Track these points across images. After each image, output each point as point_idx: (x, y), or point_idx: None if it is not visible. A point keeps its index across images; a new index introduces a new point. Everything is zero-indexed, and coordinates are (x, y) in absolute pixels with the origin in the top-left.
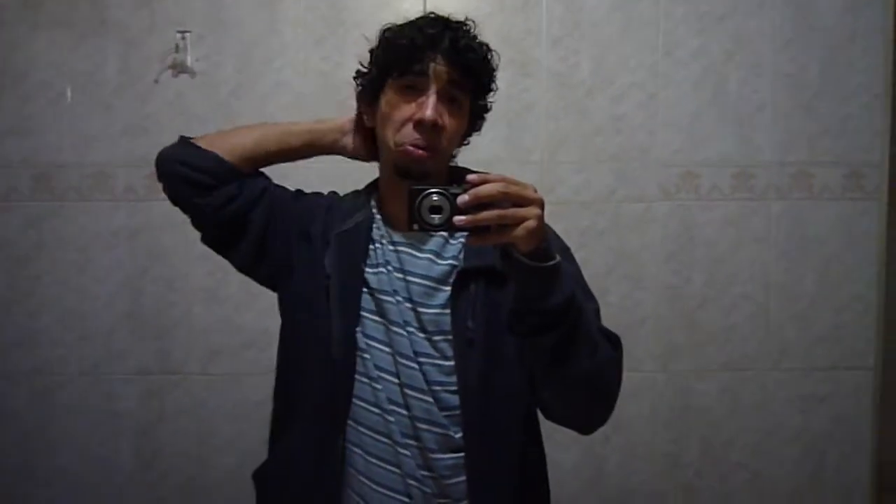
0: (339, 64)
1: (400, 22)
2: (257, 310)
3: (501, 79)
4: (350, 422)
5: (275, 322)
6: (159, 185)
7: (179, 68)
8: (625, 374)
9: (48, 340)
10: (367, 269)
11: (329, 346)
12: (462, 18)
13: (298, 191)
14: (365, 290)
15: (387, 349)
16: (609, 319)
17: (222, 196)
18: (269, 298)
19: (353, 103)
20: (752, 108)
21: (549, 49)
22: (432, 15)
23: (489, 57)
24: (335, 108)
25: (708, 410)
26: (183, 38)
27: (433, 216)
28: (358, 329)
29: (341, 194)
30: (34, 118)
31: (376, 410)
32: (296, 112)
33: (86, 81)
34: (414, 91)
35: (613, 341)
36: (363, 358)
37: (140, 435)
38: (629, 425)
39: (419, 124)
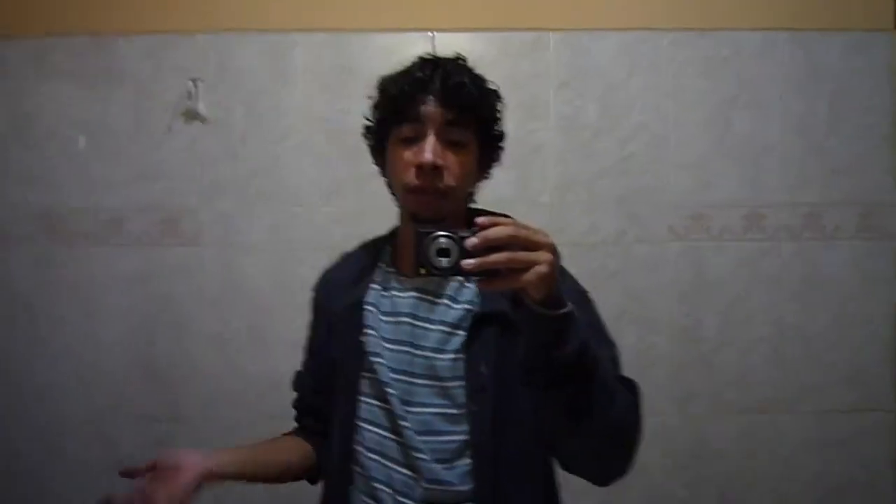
0: (346, 110)
1: (395, 70)
2: (266, 355)
3: (509, 121)
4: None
5: (283, 367)
6: (170, 230)
7: (191, 115)
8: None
9: (53, 385)
10: (383, 318)
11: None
12: (453, 56)
13: (312, 314)
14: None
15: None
16: (623, 361)
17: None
18: (278, 344)
19: (361, 148)
20: (759, 149)
21: (556, 92)
22: (424, 57)
23: (486, 88)
24: (342, 154)
25: (725, 455)
26: (195, 86)
27: (441, 259)
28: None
29: (353, 247)
30: (45, 165)
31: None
32: (304, 157)
33: (97, 129)
34: (414, 140)
35: (631, 389)
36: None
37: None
38: (645, 470)
39: (420, 168)
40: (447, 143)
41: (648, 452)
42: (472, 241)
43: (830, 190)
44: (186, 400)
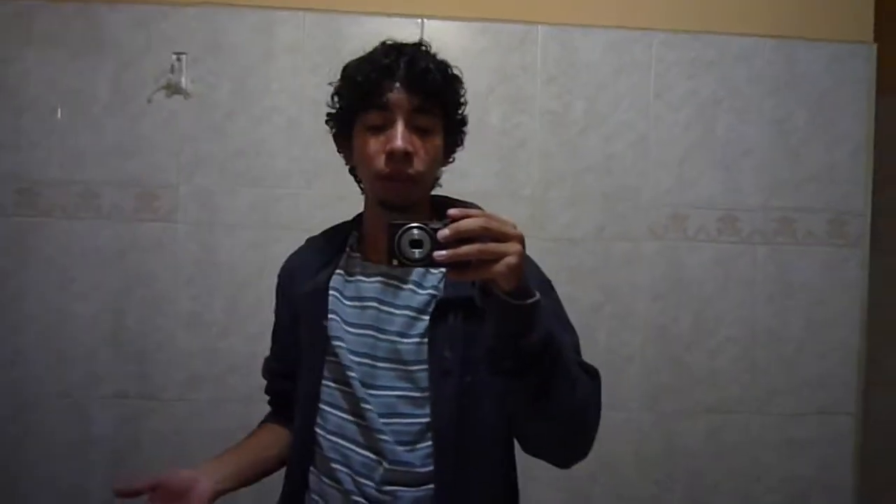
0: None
1: (359, 57)
2: (241, 335)
3: (495, 113)
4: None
5: (258, 348)
6: (147, 205)
7: (173, 89)
8: (611, 413)
9: (25, 360)
10: (347, 303)
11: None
12: (417, 41)
13: (276, 300)
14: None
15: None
16: (596, 357)
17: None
18: (254, 324)
19: None
20: (738, 153)
21: (543, 87)
22: (387, 43)
23: (450, 74)
24: (326, 136)
25: (693, 453)
26: (178, 60)
27: (413, 251)
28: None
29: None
30: (23, 133)
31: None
32: (289, 137)
33: (77, 99)
34: (381, 128)
35: (592, 375)
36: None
37: (114, 461)
38: (615, 465)
39: (391, 155)
40: (414, 129)
41: (619, 447)
42: (444, 232)
43: (803, 196)
44: (161, 378)
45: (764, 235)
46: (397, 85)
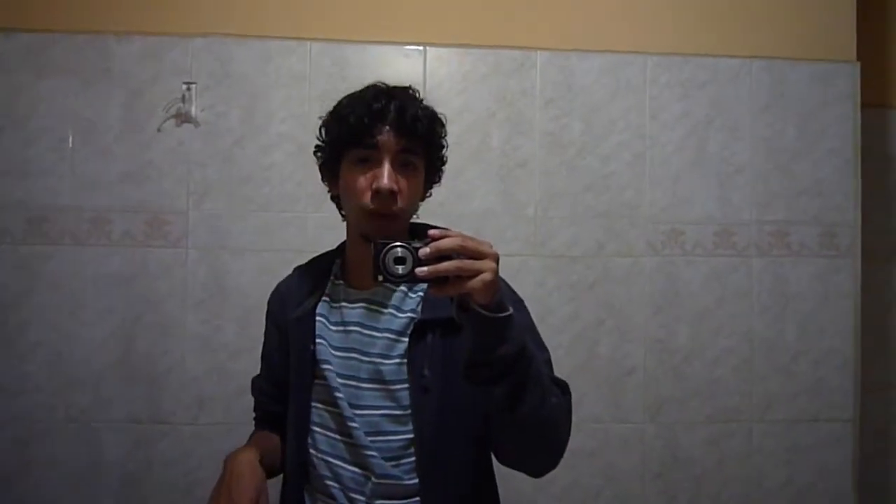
0: None
1: (350, 97)
2: (251, 359)
3: (496, 136)
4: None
5: None
6: (157, 231)
7: (183, 118)
8: (614, 425)
9: (35, 385)
10: (332, 328)
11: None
12: (404, 87)
13: (265, 324)
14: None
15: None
16: (598, 371)
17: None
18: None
19: None
20: (731, 170)
21: (542, 110)
22: (379, 86)
23: (434, 119)
24: None
25: (695, 462)
26: (188, 89)
27: (397, 267)
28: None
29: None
30: (34, 162)
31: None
32: (296, 162)
33: (88, 128)
34: (368, 162)
35: (563, 388)
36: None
37: (124, 485)
38: (619, 477)
39: (377, 193)
40: (399, 166)
41: (623, 458)
42: (425, 250)
43: (796, 209)
44: (170, 402)
45: (759, 248)
46: (387, 128)
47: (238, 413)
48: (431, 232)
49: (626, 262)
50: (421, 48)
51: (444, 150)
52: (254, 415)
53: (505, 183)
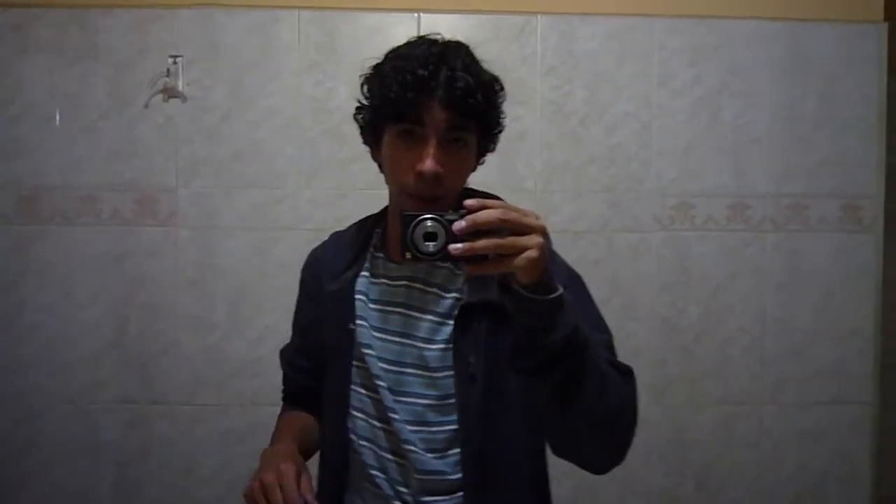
0: (332, 90)
1: (395, 54)
2: (245, 339)
3: None
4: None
5: (262, 351)
6: (146, 210)
7: (170, 93)
8: None
9: (30, 367)
10: (372, 307)
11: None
12: (456, 45)
13: (298, 294)
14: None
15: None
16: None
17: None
18: (258, 328)
19: (345, 130)
20: (747, 139)
21: (543, 77)
22: (427, 44)
23: (491, 88)
24: (325, 135)
25: (703, 445)
26: (174, 63)
27: (427, 244)
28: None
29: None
30: (22, 141)
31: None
32: (287, 137)
33: (75, 105)
34: (413, 136)
35: (626, 374)
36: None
37: (122, 466)
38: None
39: (420, 175)
40: (448, 143)
41: None
42: (459, 224)
43: (816, 182)
44: (164, 382)
45: (774, 223)
46: (435, 102)
47: (232, 392)
48: (468, 202)
49: (632, 238)
50: (415, 15)
51: (502, 119)
52: (282, 388)
53: (503, 155)
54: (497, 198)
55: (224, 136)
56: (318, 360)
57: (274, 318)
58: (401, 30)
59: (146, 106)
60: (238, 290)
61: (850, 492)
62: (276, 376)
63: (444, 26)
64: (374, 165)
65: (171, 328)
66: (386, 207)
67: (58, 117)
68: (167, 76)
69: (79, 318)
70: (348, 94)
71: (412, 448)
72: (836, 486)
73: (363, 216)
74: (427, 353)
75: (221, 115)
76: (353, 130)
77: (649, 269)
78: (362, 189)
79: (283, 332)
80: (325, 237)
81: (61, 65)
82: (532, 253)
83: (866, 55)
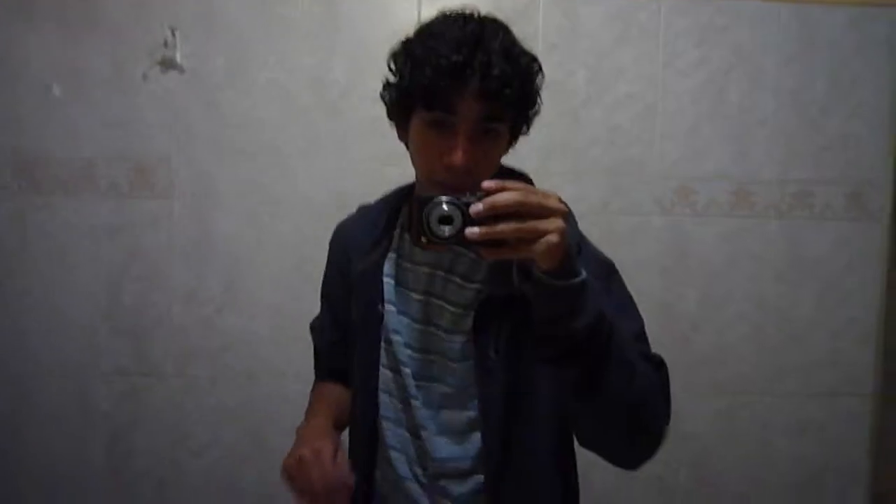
0: (331, 65)
1: (428, 30)
2: (238, 312)
3: None
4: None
5: (255, 325)
6: (143, 182)
7: (168, 64)
8: None
9: (24, 336)
10: (400, 290)
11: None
12: (495, 22)
13: (326, 267)
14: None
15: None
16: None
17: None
18: (252, 301)
19: (342, 105)
20: (752, 123)
21: (544, 55)
22: (462, 24)
23: (528, 75)
24: (323, 110)
25: (700, 435)
26: (173, 35)
27: (443, 227)
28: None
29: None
30: (21, 111)
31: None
32: (284, 110)
33: (73, 76)
34: (443, 126)
35: (657, 365)
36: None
37: (113, 436)
38: None
39: (449, 167)
40: (480, 132)
41: None
42: (476, 207)
43: (822, 168)
44: (159, 354)
45: (778, 210)
46: (468, 93)
47: (225, 365)
48: (485, 184)
49: (632, 221)
50: None
51: (538, 105)
52: (314, 362)
53: None
54: (525, 176)
55: (222, 108)
56: (349, 335)
57: (268, 291)
58: (402, 6)
59: (144, 77)
60: (233, 263)
61: (847, 482)
62: (269, 349)
63: (444, 4)
64: (372, 140)
65: (166, 300)
66: (413, 184)
67: (56, 88)
68: (165, 47)
69: (74, 288)
70: (347, 69)
71: (429, 432)
72: (833, 476)
73: (361, 190)
74: (448, 343)
75: (219, 88)
76: (351, 105)
77: (649, 253)
78: (361, 165)
79: (276, 306)
80: (322, 211)
81: (61, 36)
82: (552, 237)
83: (877, 38)
